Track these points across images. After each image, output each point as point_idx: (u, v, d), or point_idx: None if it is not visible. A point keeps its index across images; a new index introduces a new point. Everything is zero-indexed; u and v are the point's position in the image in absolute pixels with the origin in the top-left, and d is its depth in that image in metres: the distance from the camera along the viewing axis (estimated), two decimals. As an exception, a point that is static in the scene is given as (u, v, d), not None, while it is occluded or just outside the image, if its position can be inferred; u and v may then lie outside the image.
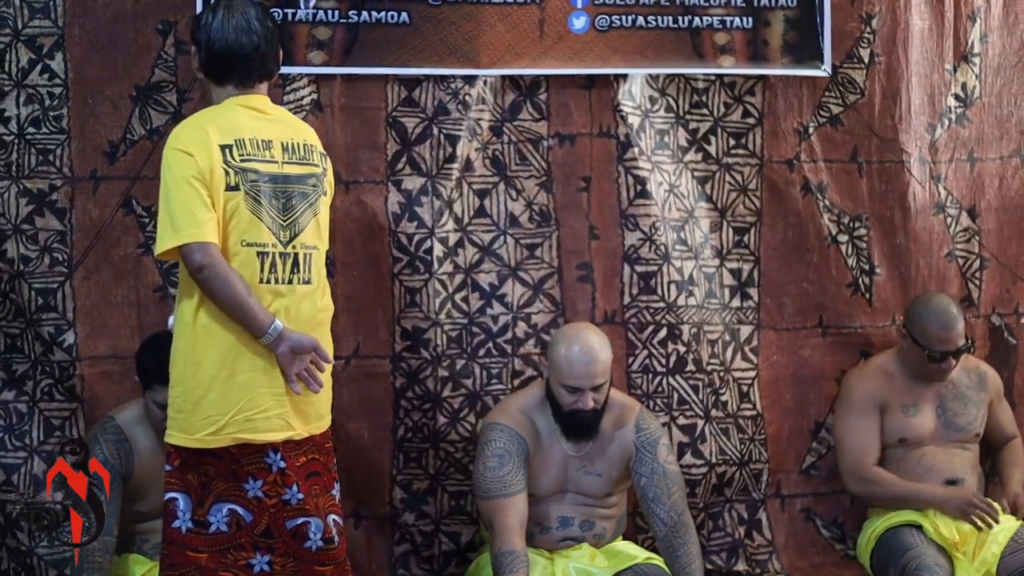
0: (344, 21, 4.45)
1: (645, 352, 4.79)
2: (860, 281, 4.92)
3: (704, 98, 4.76)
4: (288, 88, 4.43)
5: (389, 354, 4.63)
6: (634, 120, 4.71)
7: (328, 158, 3.70)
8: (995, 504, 4.50)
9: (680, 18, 4.66)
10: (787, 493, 4.95)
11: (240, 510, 3.49)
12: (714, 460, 4.82)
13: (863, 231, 4.91)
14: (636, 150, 4.72)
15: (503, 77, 4.61)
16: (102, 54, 4.35)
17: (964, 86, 4.96)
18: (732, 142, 4.78)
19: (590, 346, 4.14)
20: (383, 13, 4.46)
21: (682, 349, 4.80)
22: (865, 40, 4.82)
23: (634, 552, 4.30)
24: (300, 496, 3.52)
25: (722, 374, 4.84)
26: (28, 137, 4.35)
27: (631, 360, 4.77)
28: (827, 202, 4.88)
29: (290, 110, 4.27)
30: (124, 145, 4.41)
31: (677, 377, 4.81)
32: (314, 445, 3.59)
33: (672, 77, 4.72)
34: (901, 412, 4.67)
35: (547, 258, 4.73)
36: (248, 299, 3.40)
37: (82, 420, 4.45)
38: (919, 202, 4.94)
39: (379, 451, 4.64)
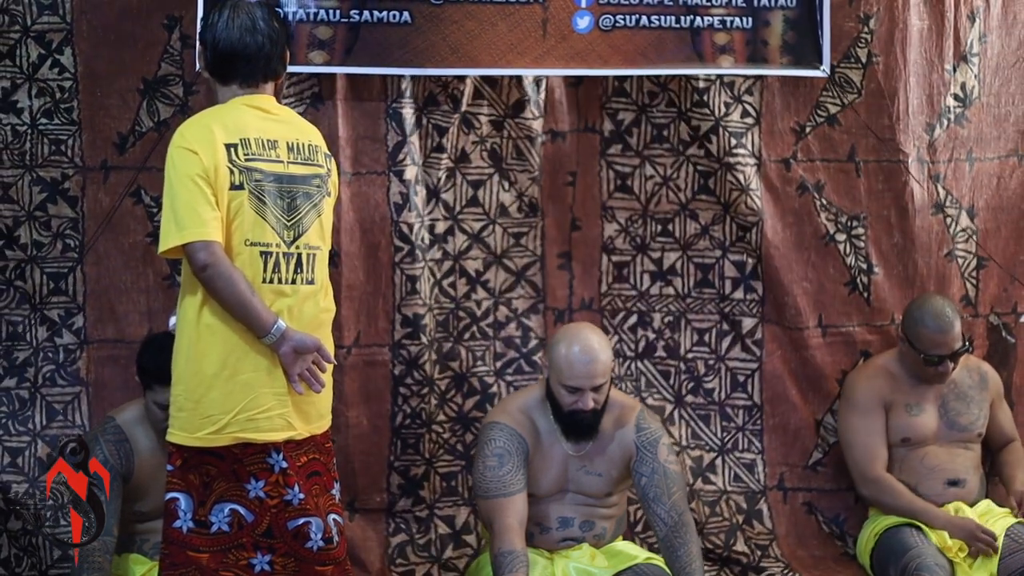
0: (345, 21, 4.48)
1: (616, 337, 4.90)
2: (858, 280, 4.97)
3: (705, 97, 4.80)
4: (289, 83, 4.51)
5: (389, 342, 4.73)
6: (624, 116, 4.79)
7: (332, 159, 3.71)
8: (994, 530, 4.51)
9: (682, 18, 4.69)
10: (790, 486, 5.01)
11: (241, 510, 3.49)
12: (686, 443, 4.92)
13: (861, 230, 4.95)
14: (620, 146, 4.81)
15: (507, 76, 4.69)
16: (110, 49, 4.45)
17: (963, 86, 4.99)
18: (732, 142, 4.83)
19: (590, 346, 4.14)
20: (384, 12, 4.49)
21: (651, 336, 4.91)
22: (863, 40, 4.85)
23: (634, 552, 4.31)
24: (301, 496, 3.52)
25: (712, 362, 4.91)
26: (41, 128, 4.47)
27: (606, 345, 4.90)
28: (824, 201, 4.92)
29: (291, 104, 4.36)
30: (133, 136, 4.52)
31: (645, 361, 4.93)
32: (315, 445, 3.59)
33: (673, 75, 4.78)
34: (905, 412, 4.70)
35: (531, 247, 4.86)
36: (252, 299, 3.40)
37: (86, 404, 4.57)
38: (917, 202, 4.97)
39: (378, 438, 4.74)
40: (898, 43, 4.86)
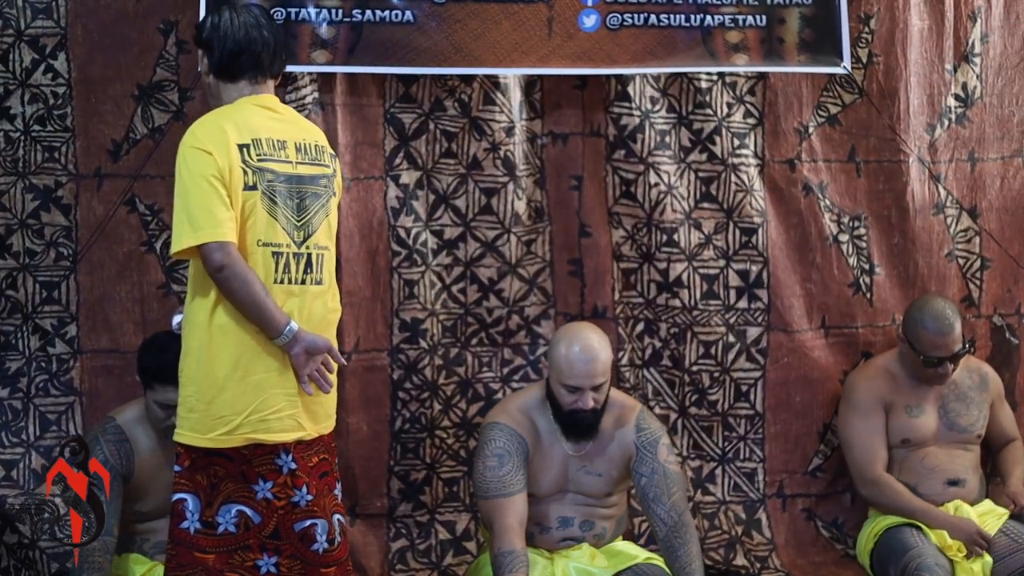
0: (348, 20, 4.49)
1: (631, 346, 4.91)
2: (861, 281, 4.99)
3: (707, 98, 4.81)
4: (290, 87, 4.52)
5: (387, 347, 4.73)
6: (628, 121, 4.78)
7: (337, 159, 3.76)
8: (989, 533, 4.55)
9: (693, 16, 4.69)
10: (789, 493, 5.02)
11: (248, 511, 3.52)
12: (687, 453, 4.94)
13: (862, 231, 4.98)
14: (624, 151, 4.80)
15: (513, 76, 4.69)
16: (104, 54, 4.44)
17: (964, 86, 5.02)
18: (736, 142, 4.84)
19: (590, 345, 4.16)
20: (387, 12, 4.50)
21: (658, 344, 4.92)
22: (863, 40, 4.87)
23: (634, 552, 4.33)
24: (309, 497, 3.56)
25: (716, 374, 4.92)
26: (34, 134, 4.45)
27: (620, 355, 4.89)
28: (828, 202, 4.94)
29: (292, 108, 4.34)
30: (127, 144, 4.50)
31: (651, 370, 4.94)
32: (323, 445, 3.65)
33: (674, 77, 4.79)
34: (905, 412, 4.72)
35: (540, 252, 4.86)
36: (266, 299, 3.43)
37: (79, 414, 4.55)
38: (918, 202, 5.00)
39: (378, 443, 4.75)
40: (899, 43, 4.89)
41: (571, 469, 4.27)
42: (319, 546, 3.58)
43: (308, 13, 4.46)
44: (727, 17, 4.71)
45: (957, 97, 5.00)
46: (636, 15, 4.66)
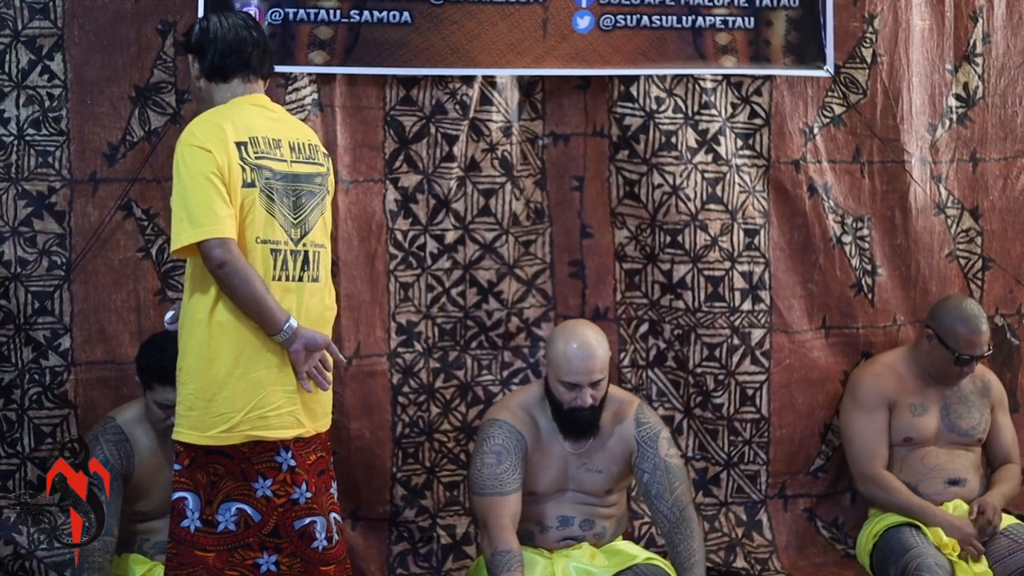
0: (345, 21, 4.51)
1: (632, 347, 4.91)
2: (863, 282, 5.01)
3: (712, 98, 4.83)
4: (290, 88, 4.50)
5: (386, 351, 4.72)
6: (632, 121, 4.78)
7: (330, 158, 3.80)
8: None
9: (684, 18, 4.74)
10: (791, 494, 5.04)
11: (248, 509, 3.53)
12: (692, 454, 4.95)
13: (865, 232, 5.00)
14: (628, 152, 4.81)
15: (510, 76, 4.70)
16: (101, 54, 4.42)
17: (966, 86, 5.05)
18: (740, 143, 4.86)
19: (587, 342, 4.18)
20: (385, 13, 4.53)
21: (662, 345, 4.94)
22: (867, 40, 4.91)
23: (634, 552, 4.33)
24: (309, 495, 3.58)
25: (721, 377, 4.92)
26: (27, 139, 4.41)
27: (622, 355, 4.91)
28: (832, 203, 4.97)
29: (290, 110, 4.31)
30: (123, 147, 4.47)
31: (656, 370, 4.96)
32: (320, 443, 3.67)
33: (679, 77, 4.81)
34: (909, 412, 4.74)
35: (540, 254, 4.85)
36: (266, 296, 3.46)
37: (75, 426, 4.50)
38: (919, 202, 5.03)
39: (380, 449, 4.74)
40: (901, 43, 4.93)
41: (571, 467, 4.28)
42: (319, 544, 3.60)
43: (306, 14, 4.47)
44: (718, 19, 4.76)
45: (958, 97, 5.04)
46: (629, 16, 4.71)
